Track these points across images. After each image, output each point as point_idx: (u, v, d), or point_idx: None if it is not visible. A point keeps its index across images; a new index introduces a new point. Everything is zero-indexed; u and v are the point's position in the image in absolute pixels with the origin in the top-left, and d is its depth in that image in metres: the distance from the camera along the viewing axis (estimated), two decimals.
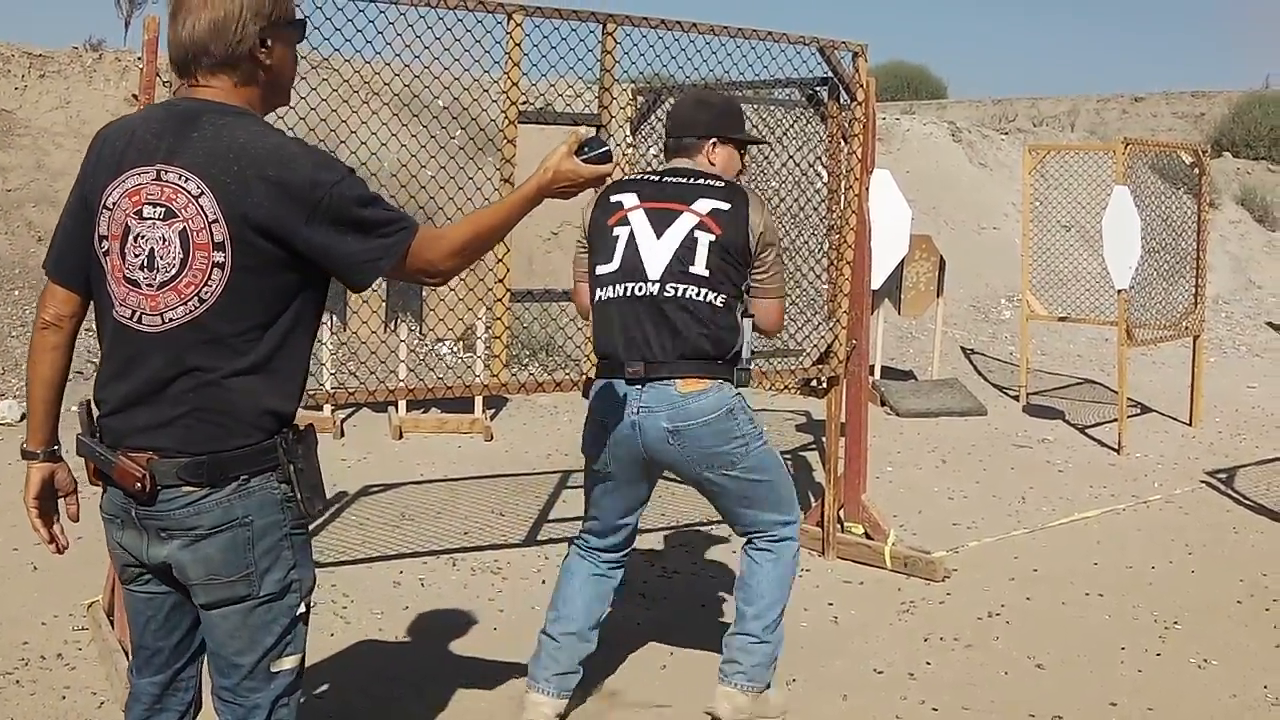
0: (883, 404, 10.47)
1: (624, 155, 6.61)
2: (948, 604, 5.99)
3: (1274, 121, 24.47)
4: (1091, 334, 13.26)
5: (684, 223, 4.21)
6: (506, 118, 5.53)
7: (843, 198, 6.42)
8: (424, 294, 8.82)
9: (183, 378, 2.66)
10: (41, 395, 2.88)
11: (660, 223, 4.24)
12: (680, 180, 4.32)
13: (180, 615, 2.90)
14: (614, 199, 4.34)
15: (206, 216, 2.62)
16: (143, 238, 2.66)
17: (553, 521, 7.09)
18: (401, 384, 8.34)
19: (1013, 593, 6.17)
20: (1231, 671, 5.29)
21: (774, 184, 6.91)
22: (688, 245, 4.18)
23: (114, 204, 2.69)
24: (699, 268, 4.17)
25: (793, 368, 6.39)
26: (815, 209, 6.72)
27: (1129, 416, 9.96)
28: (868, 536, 6.55)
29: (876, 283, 8.41)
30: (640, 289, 4.21)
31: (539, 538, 6.80)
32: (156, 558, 2.75)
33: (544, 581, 6.03)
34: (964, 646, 5.48)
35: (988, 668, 5.25)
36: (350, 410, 9.18)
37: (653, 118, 6.92)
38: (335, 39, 5.05)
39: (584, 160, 2.95)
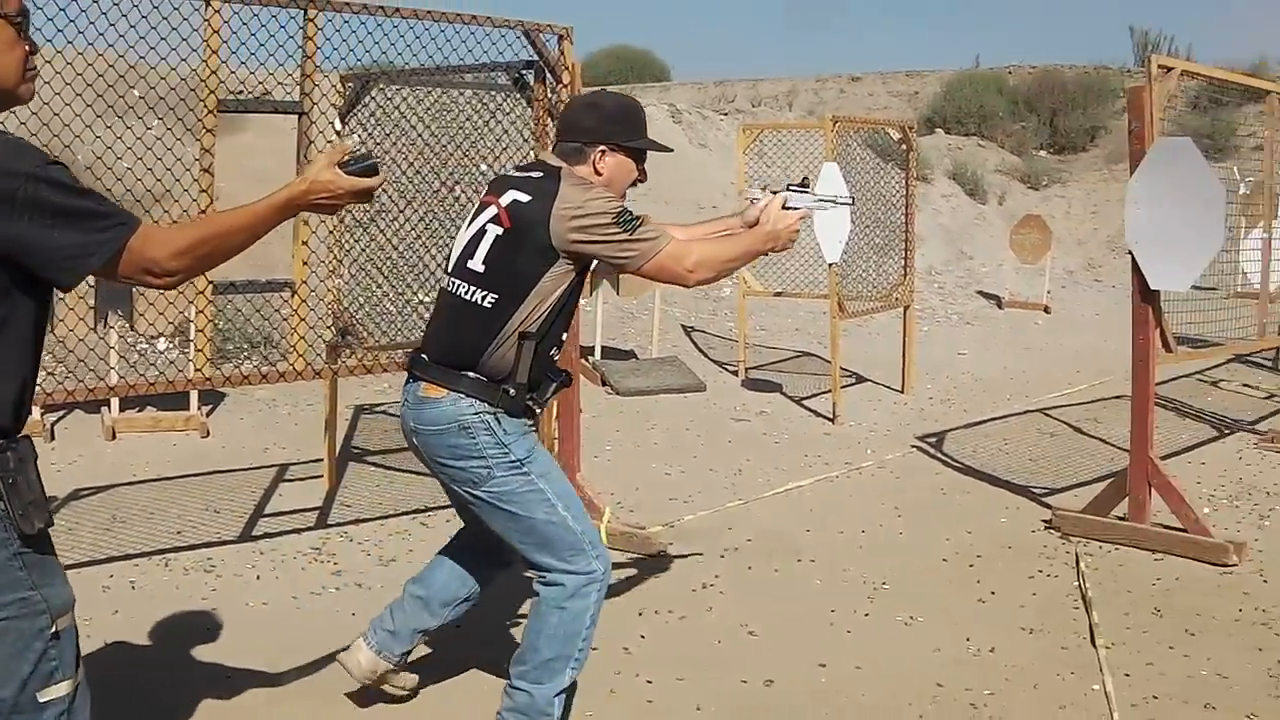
0: (604, 384, 10.51)
1: (329, 145, 6.48)
2: (663, 578, 6.02)
3: (983, 99, 25.36)
4: (810, 308, 13.53)
5: (484, 216, 3.99)
6: (205, 106, 5.35)
7: None
8: (134, 289, 8.49)
9: None
10: None
11: (474, 215, 4.05)
12: (516, 173, 4.11)
13: None
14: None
15: None
16: None
17: (268, 516, 6.91)
18: (102, 383, 8.02)
19: (727, 563, 6.25)
20: (936, 627, 5.45)
21: (483, 168, 6.84)
22: (476, 239, 3.96)
23: None
24: (476, 263, 3.93)
25: None
26: None
27: (844, 387, 10.22)
28: None
29: None
30: (443, 281, 4.09)
31: (254, 533, 6.61)
32: None
33: (258, 577, 5.89)
34: (678, 619, 5.52)
35: (701, 638, 5.30)
36: (61, 412, 8.78)
37: (360, 106, 6.80)
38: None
39: (348, 173, 2.78)
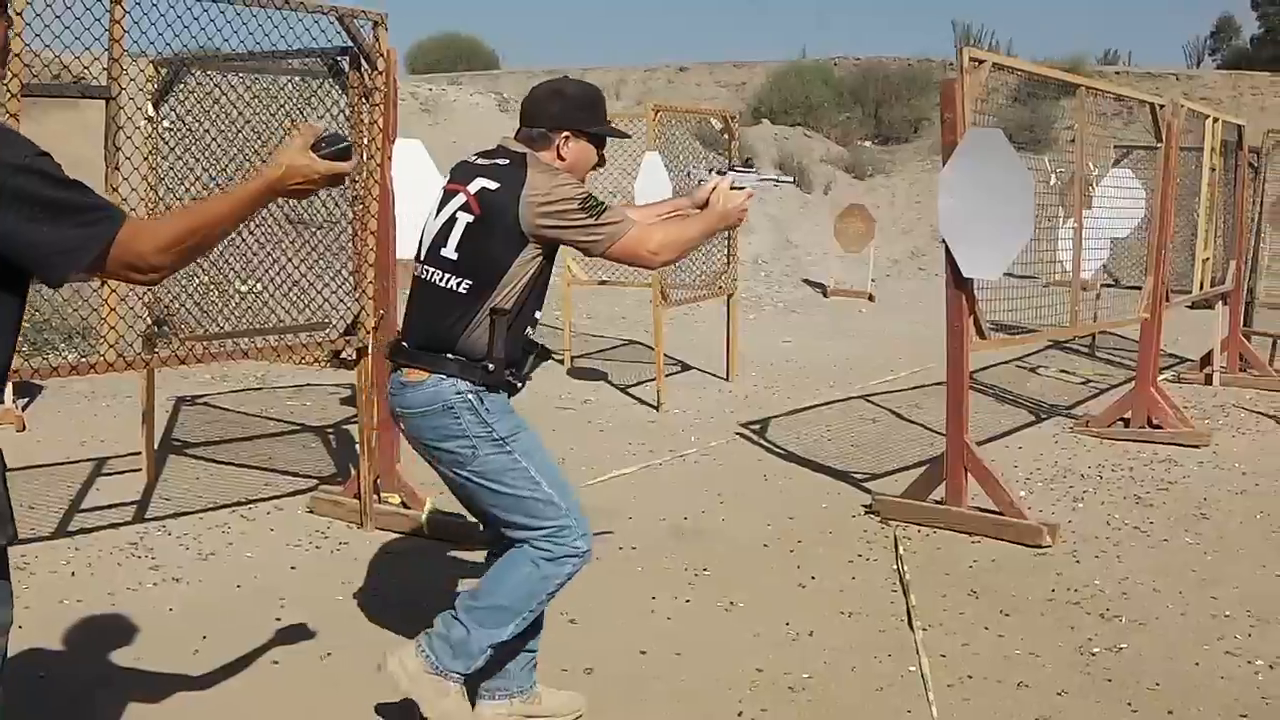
0: None
1: (141, 130, 6.32)
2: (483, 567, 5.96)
3: (809, 89, 25.69)
4: (638, 296, 13.55)
5: (453, 204, 4.01)
6: (9, 90, 5.15)
7: (365, 168, 6.28)
8: None
9: None
10: None
11: (442, 203, 4.06)
12: (480, 160, 4.10)
13: None
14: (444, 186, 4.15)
15: None
16: None
17: (84, 511, 6.68)
18: None
19: None
20: (756, 612, 5.48)
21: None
22: (447, 227, 4.00)
23: None
24: (449, 250, 3.97)
25: (319, 340, 6.23)
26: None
27: (669, 375, 10.27)
28: (404, 505, 6.47)
29: (409, 253, 8.36)
30: (416, 269, 4.09)
31: (69, 529, 6.38)
32: None
33: (73, 574, 5.70)
34: None
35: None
36: None
37: (176, 90, 6.62)
38: None
39: (322, 156, 2.73)
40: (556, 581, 4.12)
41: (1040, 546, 6.40)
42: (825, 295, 17.14)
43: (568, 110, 4.12)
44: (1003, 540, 6.49)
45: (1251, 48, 28.95)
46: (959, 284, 6.49)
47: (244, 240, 6.65)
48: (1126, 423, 9.24)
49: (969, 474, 6.69)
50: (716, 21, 78.29)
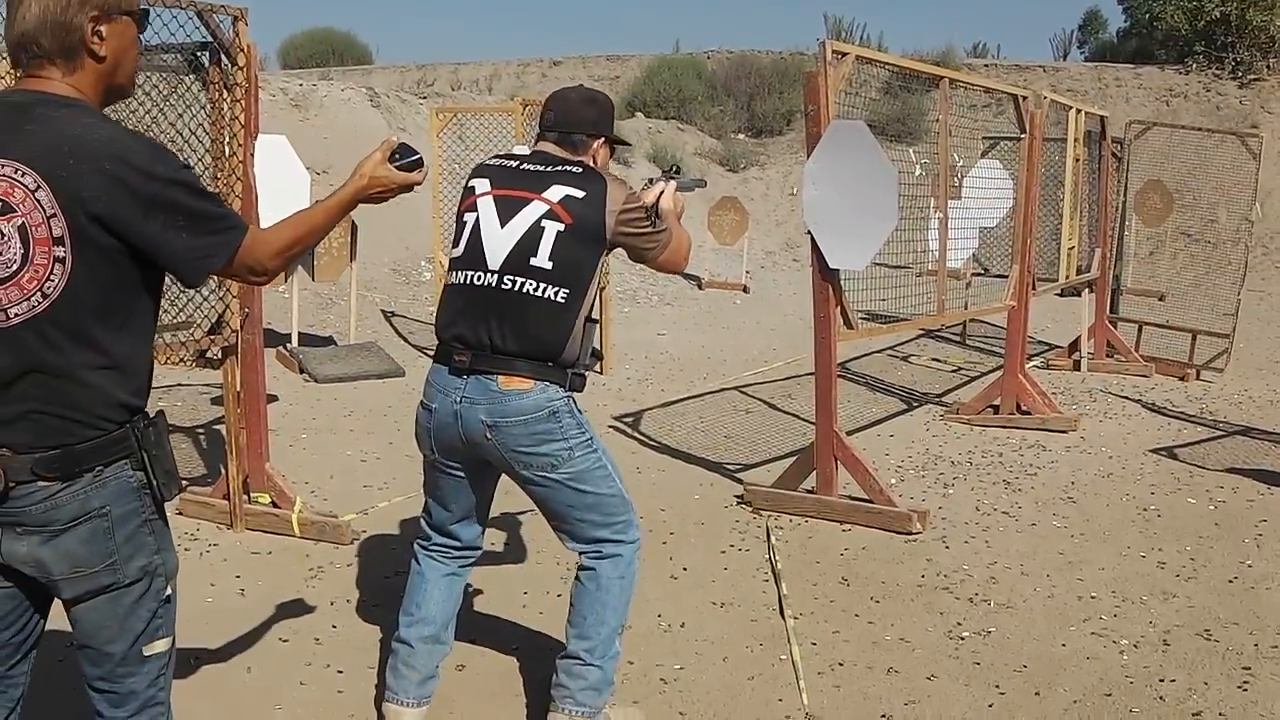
0: (301, 371, 10.28)
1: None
2: (355, 566, 5.89)
3: (682, 83, 25.69)
4: None
5: (531, 212, 3.97)
6: None
7: (226, 165, 6.16)
8: None
9: (32, 374, 2.62)
10: None
11: (507, 210, 4.00)
12: (537, 167, 4.08)
13: (22, 612, 2.84)
14: (471, 184, 4.14)
15: (45, 211, 2.58)
16: None
17: None
18: None
19: None
20: None
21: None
22: (532, 235, 3.94)
23: None
24: (541, 259, 3.93)
25: (184, 339, 6.10)
26: (201, 177, 6.42)
27: None
28: (274, 505, 6.37)
29: None
30: (479, 278, 3.98)
31: None
32: (15, 555, 2.70)
33: None
34: (371, 606, 5.40)
35: (393, 624, 5.17)
36: None
37: None
38: None
39: (397, 167, 3.04)
40: (635, 578, 4.31)
41: (910, 533, 6.46)
42: (700, 288, 17.18)
43: (603, 118, 4.26)
44: (873, 528, 6.54)
45: (1116, 40, 29.50)
46: (825, 274, 6.53)
47: None
48: (996, 409, 9.38)
49: (839, 463, 6.73)
50: (589, 15, 78.29)
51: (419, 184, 3.13)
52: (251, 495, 6.42)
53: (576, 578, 4.26)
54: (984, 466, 8.07)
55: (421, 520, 4.39)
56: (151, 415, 2.82)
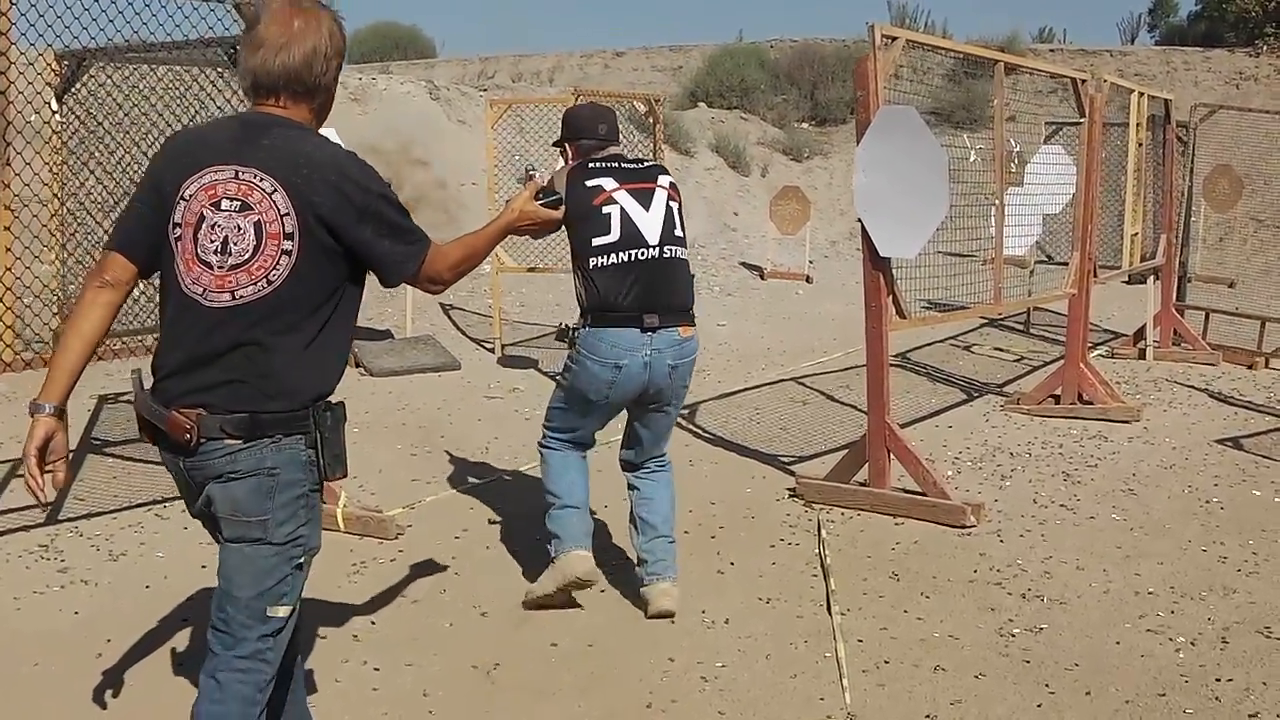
0: (357, 365, 10.25)
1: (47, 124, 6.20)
2: (399, 561, 5.84)
3: (745, 73, 25.51)
4: (569, 283, 13.38)
5: (660, 197, 5.12)
6: None
7: None
8: None
9: (243, 347, 3.08)
10: (75, 348, 3.18)
11: (643, 199, 5.07)
12: (634, 164, 5.24)
13: None
14: (591, 184, 5.04)
15: (279, 210, 3.09)
16: (218, 226, 3.10)
17: None
18: None
19: (464, 545, 6.10)
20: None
21: None
22: (670, 214, 5.13)
23: (190, 195, 3.12)
24: (680, 230, 5.16)
25: None
26: None
27: None
28: (321, 500, 6.32)
29: None
30: (643, 253, 5.00)
31: None
32: (202, 501, 3.18)
33: None
34: (411, 602, 5.35)
35: (433, 621, 5.15)
36: None
37: (79, 85, 6.46)
38: None
39: (541, 204, 3.81)
40: None
41: (964, 527, 6.33)
42: (762, 278, 17.04)
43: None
44: (926, 521, 6.42)
45: (1187, 24, 29.08)
46: (876, 263, 6.41)
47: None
48: (1057, 399, 9.21)
49: (891, 455, 6.61)
50: (652, 6, 78.06)
51: (558, 220, 4.04)
52: None
53: (650, 481, 5.41)
54: (1043, 458, 7.92)
55: (564, 437, 5.34)
56: (334, 403, 3.21)
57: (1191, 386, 10.37)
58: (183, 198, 3.12)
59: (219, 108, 6.27)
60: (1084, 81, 8.60)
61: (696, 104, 24.28)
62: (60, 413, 3.19)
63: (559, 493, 5.26)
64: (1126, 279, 10.77)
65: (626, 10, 76.18)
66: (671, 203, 5.14)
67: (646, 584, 5.23)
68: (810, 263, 17.40)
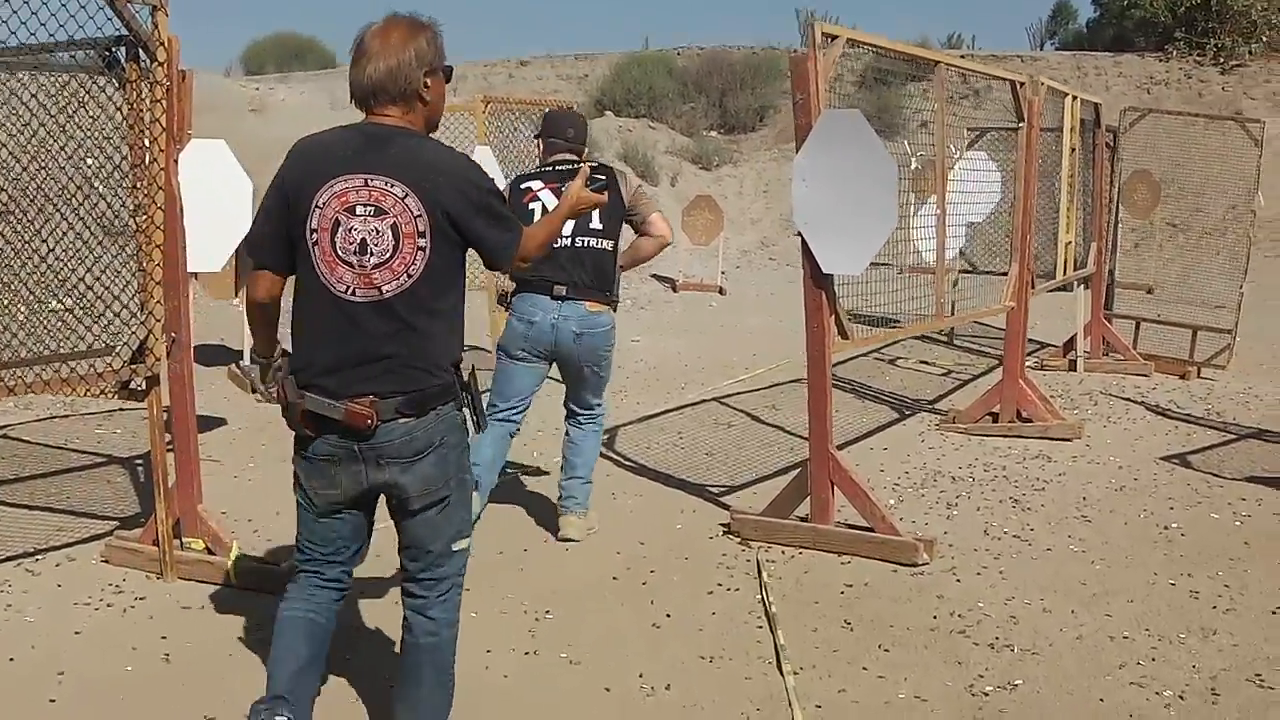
0: (253, 390, 9.54)
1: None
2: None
3: (652, 80, 25.14)
4: (474, 299, 12.79)
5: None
6: None
7: (148, 172, 5.46)
8: None
9: (397, 334, 3.57)
10: (266, 335, 3.87)
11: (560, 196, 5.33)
12: (566, 168, 6.03)
13: (358, 531, 3.94)
14: (523, 186, 6.19)
15: (413, 213, 3.55)
16: (354, 230, 3.56)
17: None
18: None
19: (370, 600, 5.47)
20: (605, 662, 4.83)
21: (90, 161, 5.86)
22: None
23: (324, 203, 3.57)
24: (596, 224, 6.01)
25: (102, 369, 5.42)
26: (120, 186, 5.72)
27: None
28: (210, 552, 5.70)
29: (217, 264, 7.57)
30: (557, 242, 5.43)
31: None
32: (377, 481, 3.69)
33: None
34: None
35: (333, 693, 4.54)
36: None
37: None
38: None
39: (592, 189, 4.25)
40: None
41: (916, 565, 5.84)
42: (675, 290, 16.58)
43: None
44: (876, 559, 5.91)
45: (1088, 30, 29.02)
46: (818, 280, 5.90)
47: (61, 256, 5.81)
48: (995, 417, 8.78)
49: (835, 487, 6.10)
50: (557, 14, 77.41)
51: (604, 202, 4.48)
52: (184, 540, 5.76)
53: (580, 428, 6.42)
54: (988, 482, 7.47)
55: (492, 402, 6.18)
56: (469, 370, 3.77)
57: (1128, 399, 10.01)
58: (317, 206, 3.57)
59: (93, 118, 5.61)
60: (1022, 84, 8.16)
61: (603, 113, 23.84)
62: (273, 356, 3.87)
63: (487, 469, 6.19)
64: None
65: (530, 18, 75.62)
66: None
67: (560, 514, 6.35)
68: (723, 273, 16.97)
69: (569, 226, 5.68)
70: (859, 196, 5.66)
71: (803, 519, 6.20)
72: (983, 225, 10.35)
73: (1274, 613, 5.38)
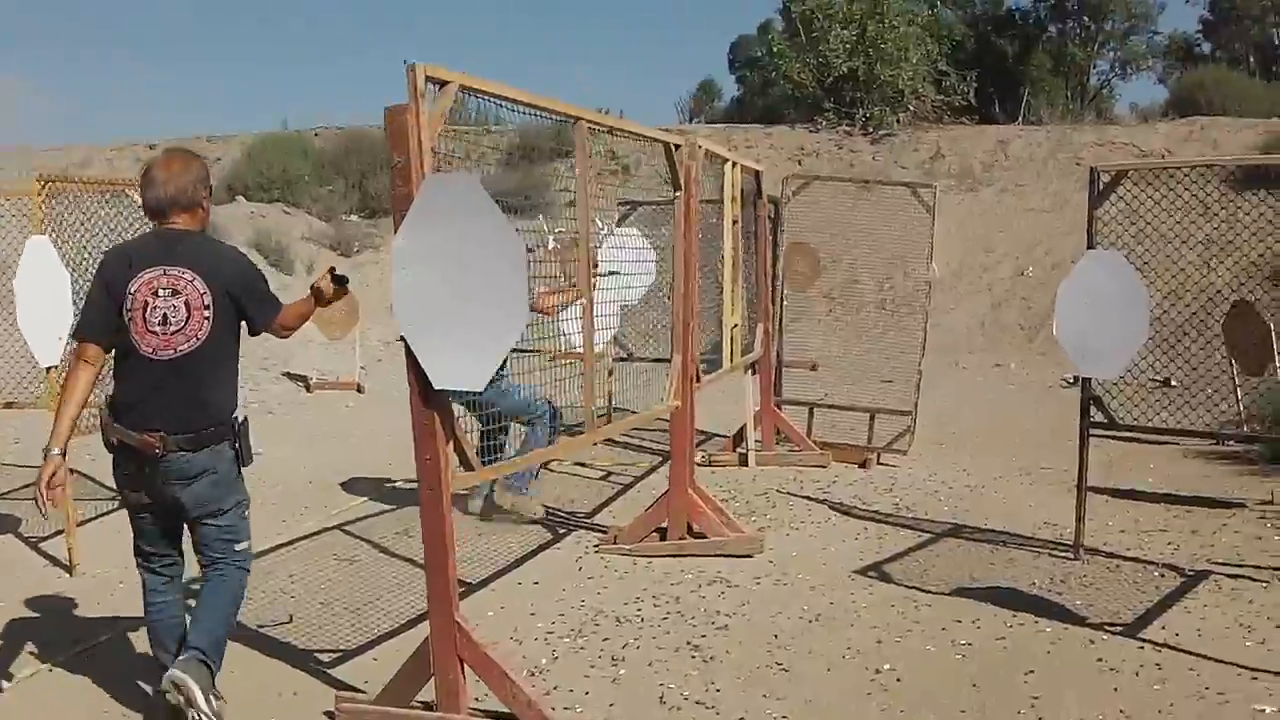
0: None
1: None
2: None
3: (287, 162, 23.54)
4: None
5: None
6: None
7: None
8: None
9: (184, 385, 4.65)
10: (71, 413, 4.69)
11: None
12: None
13: (170, 530, 4.95)
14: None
15: (199, 291, 4.69)
16: (157, 308, 4.66)
17: None
18: None
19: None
20: None
21: None
22: None
23: (135, 290, 4.66)
24: None
25: None
26: None
27: (102, 516, 7.81)
28: None
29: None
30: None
31: None
32: (169, 495, 4.72)
33: None
34: None
35: None
36: None
37: None
38: None
39: (332, 282, 5.13)
40: None
41: None
42: (308, 389, 14.96)
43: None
44: None
45: (735, 107, 28.84)
46: (429, 400, 4.50)
47: None
48: (663, 534, 7.52)
49: (467, 667, 4.67)
50: (188, 94, 74.30)
51: (346, 295, 5.28)
52: None
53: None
54: (659, 622, 6.18)
55: None
56: (241, 418, 4.83)
57: (809, 498, 8.97)
58: (130, 292, 4.66)
59: None
60: (678, 147, 6.97)
61: (234, 198, 22.07)
62: (63, 454, 4.60)
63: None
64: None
65: (160, 98, 72.41)
66: None
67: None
68: (362, 368, 15.50)
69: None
70: (479, 284, 4.29)
71: (427, 705, 4.76)
72: (638, 307, 9.29)
73: None
